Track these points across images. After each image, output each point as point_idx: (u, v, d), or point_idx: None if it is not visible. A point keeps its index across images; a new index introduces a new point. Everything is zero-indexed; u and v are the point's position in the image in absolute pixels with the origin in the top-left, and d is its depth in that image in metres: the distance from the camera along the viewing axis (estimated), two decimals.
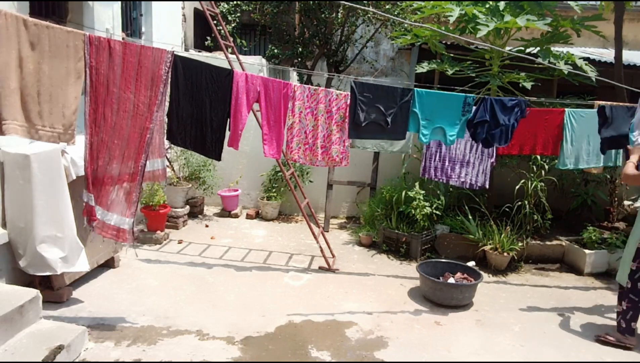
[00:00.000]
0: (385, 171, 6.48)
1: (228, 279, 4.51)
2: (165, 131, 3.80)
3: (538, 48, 5.19)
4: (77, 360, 3.06)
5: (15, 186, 3.59)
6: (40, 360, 2.79)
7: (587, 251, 5.16)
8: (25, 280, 3.72)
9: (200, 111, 3.77)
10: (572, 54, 4.98)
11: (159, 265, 4.76)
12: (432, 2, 5.29)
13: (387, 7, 8.31)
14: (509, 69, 5.44)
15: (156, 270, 4.62)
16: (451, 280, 4.33)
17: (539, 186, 5.38)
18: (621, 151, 4.75)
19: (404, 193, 5.48)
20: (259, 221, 6.55)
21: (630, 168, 3.63)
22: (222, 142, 3.89)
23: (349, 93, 4.18)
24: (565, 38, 5.15)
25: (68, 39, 2.93)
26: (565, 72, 5.16)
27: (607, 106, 4.43)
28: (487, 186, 5.00)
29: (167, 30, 7.18)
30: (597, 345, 3.62)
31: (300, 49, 8.40)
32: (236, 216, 6.62)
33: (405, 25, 7.90)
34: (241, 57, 5.46)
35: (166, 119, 3.71)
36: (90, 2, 5.08)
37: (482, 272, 4.50)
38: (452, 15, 4.90)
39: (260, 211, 6.67)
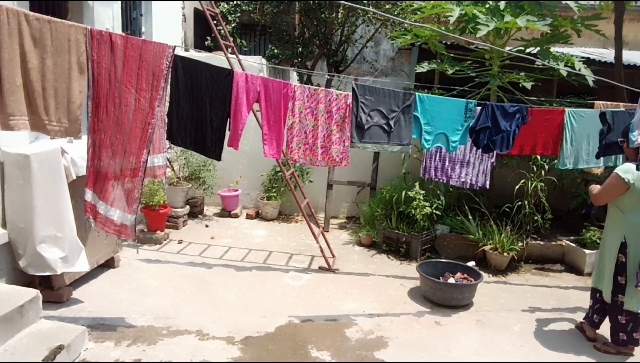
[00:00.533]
0: (385, 171, 6.48)
1: (228, 279, 4.51)
2: (165, 129, 3.80)
3: (538, 48, 5.19)
4: (77, 360, 3.06)
5: (15, 186, 3.59)
6: (40, 360, 2.79)
7: (587, 251, 5.16)
8: (25, 280, 3.72)
9: (200, 111, 3.77)
10: (572, 56, 4.99)
11: (159, 265, 4.76)
12: (432, 2, 5.29)
13: (387, 7, 8.31)
14: (509, 69, 5.44)
15: (156, 270, 4.62)
16: (451, 280, 4.33)
17: (539, 186, 5.38)
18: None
19: (404, 193, 5.48)
20: (259, 221, 6.55)
21: (594, 189, 3.61)
22: (222, 142, 3.89)
23: (349, 93, 4.19)
24: (565, 38, 5.16)
25: (70, 33, 2.93)
26: (565, 74, 5.17)
27: (608, 112, 4.41)
28: (487, 186, 5.00)
29: (167, 30, 7.18)
30: (593, 343, 3.62)
31: (300, 49, 8.40)
32: (236, 216, 6.62)
33: (405, 25, 7.89)
34: (241, 57, 5.46)
35: (166, 119, 3.71)
36: (90, 2, 5.08)
37: (482, 272, 4.50)
38: (452, 15, 4.91)
39: (260, 211, 6.67)
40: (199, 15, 9.25)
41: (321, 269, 4.89)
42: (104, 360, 3.09)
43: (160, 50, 3.25)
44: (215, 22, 5.05)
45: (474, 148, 4.93)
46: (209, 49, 8.75)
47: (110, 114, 3.18)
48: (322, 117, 4.27)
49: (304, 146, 4.31)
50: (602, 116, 4.39)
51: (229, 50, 5.06)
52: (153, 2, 6.66)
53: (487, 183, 4.93)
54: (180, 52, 6.08)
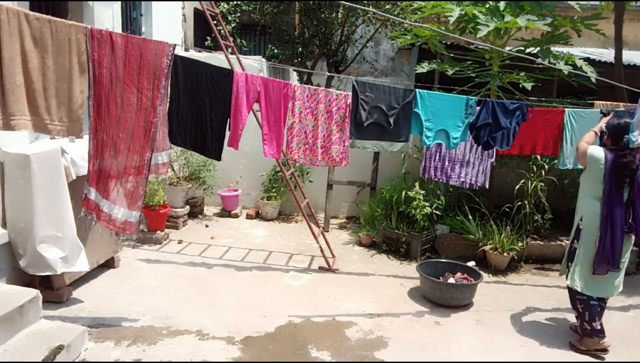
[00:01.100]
0: (385, 171, 6.48)
1: (228, 279, 4.51)
2: (167, 128, 3.80)
3: (538, 48, 5.19)
4: (77, 360, 3.06)
5: (15, 186, 3.59)
6: (40, 360, 2.79)
7: None
8: (25, 280, 3.72)
9: (200, 111, 3.77)
10: (572, 55, 4.99)
11: (159, 265, 4.76)
12: (432, 2, 5.29)
13: (387, 7, 8.31)
14: (509, 69, 5.44)
15: (156, 270, 4.62)
16: (451, 280, 4.33)
17: (539, 186, 5.38)
18: None
19: (404, 193, 5.48)
20: (259, 221, 6.55)
21: (586, 136, 3.67)
22: (222, 142, 3.89)
23: (350, 93, 4.19)
24: (565, 38, 5.16)
25: (70, 32, 2.94)
26: (565, 72, 5.16)
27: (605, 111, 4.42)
28: (487, 186, 5.00)
29: (167, 30, 7.18)
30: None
31: (300, 49, 8.40)
32: (236, 216, 6.62)
33: (405, 25, 7.89)
34: (241, 57, 5.46)
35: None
36: (90, 2, 5.08)
37: (482, 272, 4.51)
38: (452, 16, 4.91)
39: (260, 211, 6.67)
40: (199, 15, 9.25)
41: (321, 269, 4.89)
42: (104, 360, 3.09)
43: (160, 48, 3.25)
44: (215, 22, 5.05)
45: (474, 148, 4.93)
46: (209, 49, 8.75)
47: (112, 114, 3.18)
48: (322, 117, 4.27)
49: (304, 146, 4.31)
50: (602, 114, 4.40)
51: (229, 50, 5.06)
52: (153, 2, 6.66)
53: (487, 182, 4.93)
54: (180, 52, 6.08)
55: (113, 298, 3.96)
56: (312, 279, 4.64)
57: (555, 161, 4.83)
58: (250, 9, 9.11)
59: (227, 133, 3.89)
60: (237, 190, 6.73)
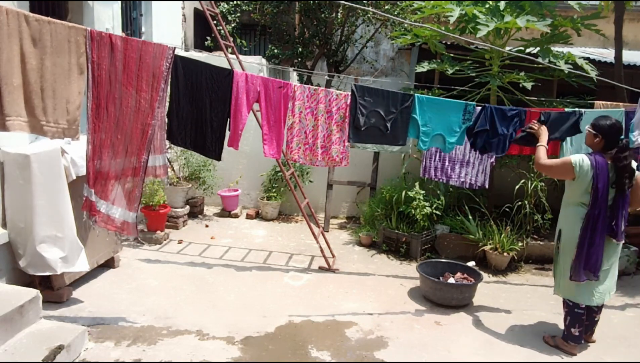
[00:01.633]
0: (385, 171, 6.48)
1: (228, 279, 4.51)
2: (165, 130, 3.80)
3: (538, 48, 5.19)
4: (77, 360, 3.06)
5: (15, 186, 3.59)
6: (40, 360, 2.79)
7: None
8: (25, 280, 3.72)
9: (200, 111, 3.77)
10: (572, 54, 4.98)
11: (159, 265, 4.76)
12: (432, 2, 5.29)
13: (387, 7, 8.31)
14: (509, 69, 5.44)
15: (156, 270, 4.62)
16: (451, 280, 4.33)
17: (539, 186, 5.38)
18: None
19: (404, 193, 5.48)
20: (259, 221, 6.55)
21: (542, 153, 3.59)
22: (222, 142, 3.89)
23: (349, 93, 4.19)
24: (565, 38, 5.16)
25: (70, 34, 2.93)
26: (566, 72, 5.16)
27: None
28: (487, 186, 5.00)
29: (167, 30, 7.18)
30: (597, 345, 3.62)
31: (300, 49, 8.40)
32: (236, 216, 6.62)
33: (405, 25, 7.89)
34: (241, 57, 5.46)
35: (166, 119, 3.71)
36: (90, 2, 5.08)
37: (482, 272, 4.51)
38: (452, 16, 4.90)
39: (260, 211, 6.67)
40: (199, 15, 9.25)
41: (321, 269, 4.89)
42: (104, 360, 3.09)
43: (160, 51, 3.25)
44: (215, 22, 5.05)
45: None
46: (209, 49, 8.75)
47: (110, 115, 3.18)
48: (322, 117, 4.27)
49: (304, 146, 4.31)
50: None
51: (229, 50, 5.06)
52: (153, 2, 6.66)
53: (487, 182, 4.93)
54: (180, 52, 6.07)
55: (113, 298, 3.96)
56: (312, 279, 4.64)
57: None
58: (250, 9, 9.11)
59: (227, 133, 3.89)
60: (237, 190, 6.73)
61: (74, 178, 3.79)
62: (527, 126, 3.87)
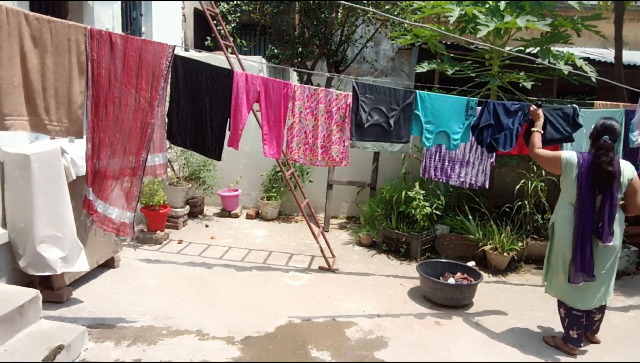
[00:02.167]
0: (385, 171, 6.48)
1: (228, 279, 4.51)
2: (165, 129, 3.80)
3: (538, 48, 5.19)
4: (77, 360, 3.06)
5: (15, 186, 3.59)
6: (40, 360, 2.79)
7: None
8: (25, 280, 3.72)
9: (200, 111, 3.77)
10: (572, 54, 4.99)
11: (159, 265, 4.76)
12: (432, 2, 5.29)
13: (387, 7, 8.31)
14: (509, 69, 5.44)
15: (156, 270, 4.62)
16: (451, 280, 4.33)
17: (539, 186, 5.38)
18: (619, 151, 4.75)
19: (404, 193, 5.47)
20: (259, 221, 6.55)
21: (537, 140, 3.60)
22: (222, 142, 3.89)
23: (350, 93, 4.19)
24: (565, 38, 5.15)
25: (70, 33, 2.93)
26: (565, 72, 5.16)
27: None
28: (487, 186, 5.00)
29: (167, 30, 7.18)
30: (597, 345, 3.62)
31: (300, 49, 8.40)
32: (236, 216, 6.62)
33: (405, 25, 7.89)
34: (241, 57, 5.46)
35: (166, 119, 3.71)
36: (90, 2, 5.08)
37: (482, 272, 4.50)
38: (452, 16, 4.90)
39: (260, 211, 6.67)
40: (199, 15, 9.25)
41: (321, 269, 4.89)
42: (104, 360, 3.09)
43: (160, 50, 3.25)
44: (215, 22, 5.05)
45: (474, 148, 4.93)
46: (209, 49, 8.75)
47: (109, 114, 3.18)
48: (322, 117, 4.27)
49: (304, 146, 4.31)
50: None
51: (229, 50, 5.06)
52: (153, 2, 6.66)
53: (487, 182, 4.94)
54: (180, 52, 6.08)
55: (113, 298, 3.96)
56: (312, 279, 4.64)
57: None
58: (250, 9, 9.10)
59: (227, 133, 3.89)
60: (237, 190, 6.73)
61: (74, 177, 3.79)
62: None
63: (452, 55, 5.68)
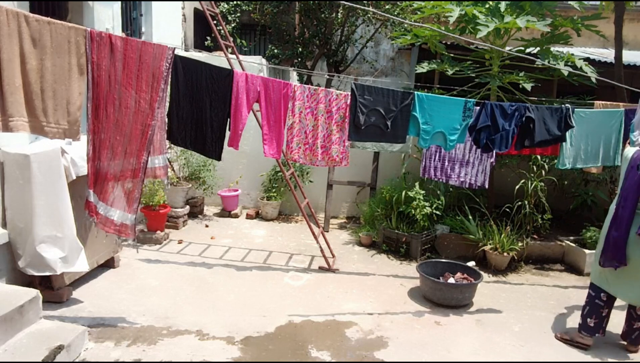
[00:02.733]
0: (385, 171, 6.48)
1: (228, 279, 4.51)
2: (165, 130, 3.80)
3: (538, 48, 5.19)
4: (77, 360, 3.06)
5: (15, 186, 3.59)
6: (40, 360, 2.79)
7: (587, 251, 5.16)
8: (25, 280, 3.72)
9: (200, 111, 3.77)
10: (572, 55, 4.99)
11: (159, 265, 4.76)
12: (432, 2, 5.29)
13: (387, 7, 8.31)
14: (509, 69, 5.44)
15: (156, 270, 4.62)
16: (451, 280, 4.33)
17: (539, 186, 5.38)
18: (619, 150, 4.75)
19: (404, 193, 5.48)
20: (259, 221, 6.55)
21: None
22: (222, 142, 3.89)
23: (349, 93, 4.18)
24: (565, 38, 5.16)
25: (69, 34, 2.93)
26: (565, 73, 5.16)
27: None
28: (487, 186, 5.00)
29: (167, 30, 7.19)
30: (597, 345, 3.62)
31: (300, 49, 8.40)
32: (236, 216, 6.62)
33: (405, 25, 7.89)
34: (241, 57, 5.46)
35: (166, 119, 3.71)
36: (90, 2, 5.08)
37: (482, 272, 4.51)
38: (452, 16, 4.90)
39: (260, 211, 6.67)
40: (199, 15, 9.25)
41: (321, 269, 4.89)
42: (104, 360, 3.09)
43: (160, 52, 3.25)
44: (215, 22, 5.05)
45: (474, 148, 4.93)
46: (209, 49, 8.75)
47: (110, 116, 3.18)
48: (322, 117, 4.27)
49: (304, 146, 4.31)
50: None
51: (229, 50, 5.06)
52: (153, 2, 6.66)
53: (486, 182, 4.94)
54: (180, 52, 6.08)
55: (113, 298, 3.96)
56: (312, 279, 4.64)
57: (555, 161, 4.83)
58: (250, 9, 9.11)
59: (227, 133, 3.89)
60: (237, 190, 6.73)
61: (74, 178, 3.79)
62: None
63: (452, 55, 5.68)
